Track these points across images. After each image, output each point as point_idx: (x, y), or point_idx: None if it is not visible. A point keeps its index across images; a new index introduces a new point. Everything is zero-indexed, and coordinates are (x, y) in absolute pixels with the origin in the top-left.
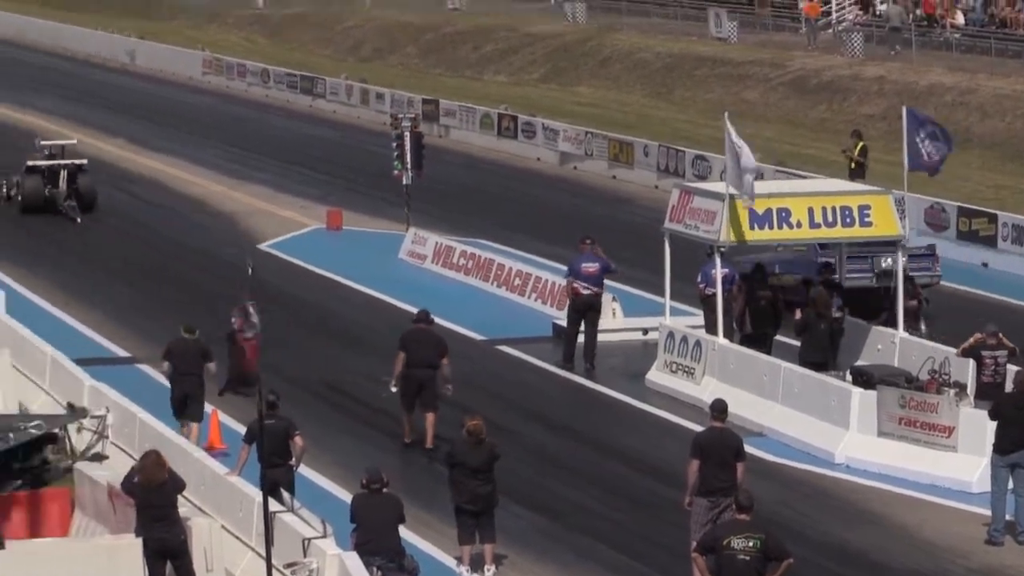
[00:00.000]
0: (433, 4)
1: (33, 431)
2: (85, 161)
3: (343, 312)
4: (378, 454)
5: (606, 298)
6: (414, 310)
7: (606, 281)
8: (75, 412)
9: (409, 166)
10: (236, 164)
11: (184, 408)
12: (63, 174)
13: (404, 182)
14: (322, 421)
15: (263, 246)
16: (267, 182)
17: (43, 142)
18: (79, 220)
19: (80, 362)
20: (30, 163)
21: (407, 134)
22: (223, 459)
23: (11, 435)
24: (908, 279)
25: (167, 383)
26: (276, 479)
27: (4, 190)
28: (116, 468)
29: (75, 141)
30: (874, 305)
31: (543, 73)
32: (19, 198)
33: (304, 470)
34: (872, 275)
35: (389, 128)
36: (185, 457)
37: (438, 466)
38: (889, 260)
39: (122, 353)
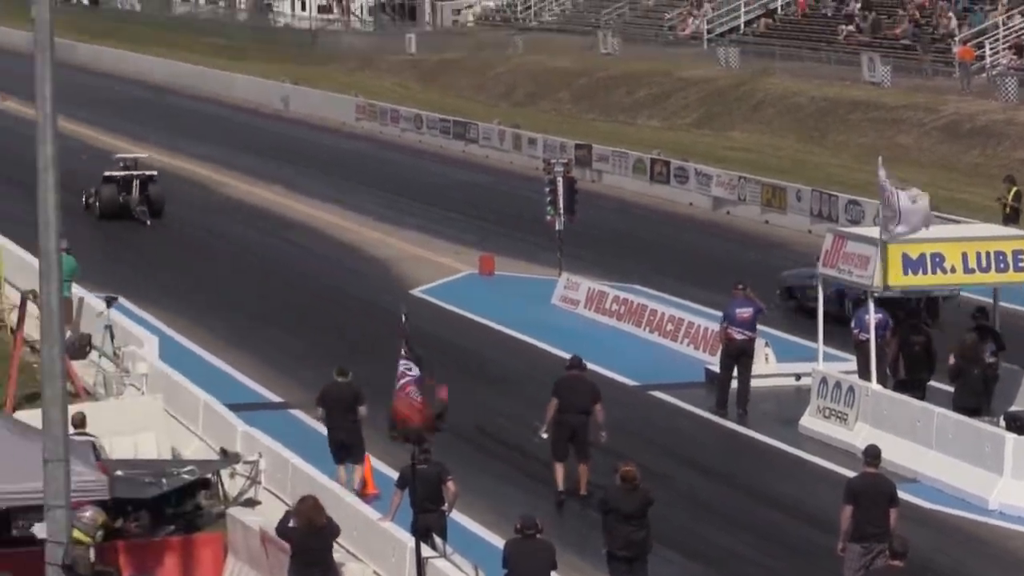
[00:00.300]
0: (586, 49)
1: (186, 476)
2: (156, 172)
3: (496, 357)
4: (531, 499)
5: (759, 343)
6: (567, 356)
7: (759, 326)
8: (228, 457)
9: (562, 211)
10: (390, 210)
11: (341, 452)
12: (136, 183)
13: (557, 227)
14: (475, 466)
15: (416, 292)
16: (420, 228)
17: (118, 155)
18: (149, 223)
19: (233, 407)
20: (107, 174)
21: (560, 179)
22: (376, 504)
23: (165, 480)
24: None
25: (321, 428)
26: (429, 524)
27: (84, 199)
28: (269, 513)
29: (147, 155)
30: (895, 316)
31: (696, 118)
32: (97, 205)
33: (456, 515)
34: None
35: (542, 173)
36: (337, 502)
37: (591, 512)
38: None
39: (275, 398)
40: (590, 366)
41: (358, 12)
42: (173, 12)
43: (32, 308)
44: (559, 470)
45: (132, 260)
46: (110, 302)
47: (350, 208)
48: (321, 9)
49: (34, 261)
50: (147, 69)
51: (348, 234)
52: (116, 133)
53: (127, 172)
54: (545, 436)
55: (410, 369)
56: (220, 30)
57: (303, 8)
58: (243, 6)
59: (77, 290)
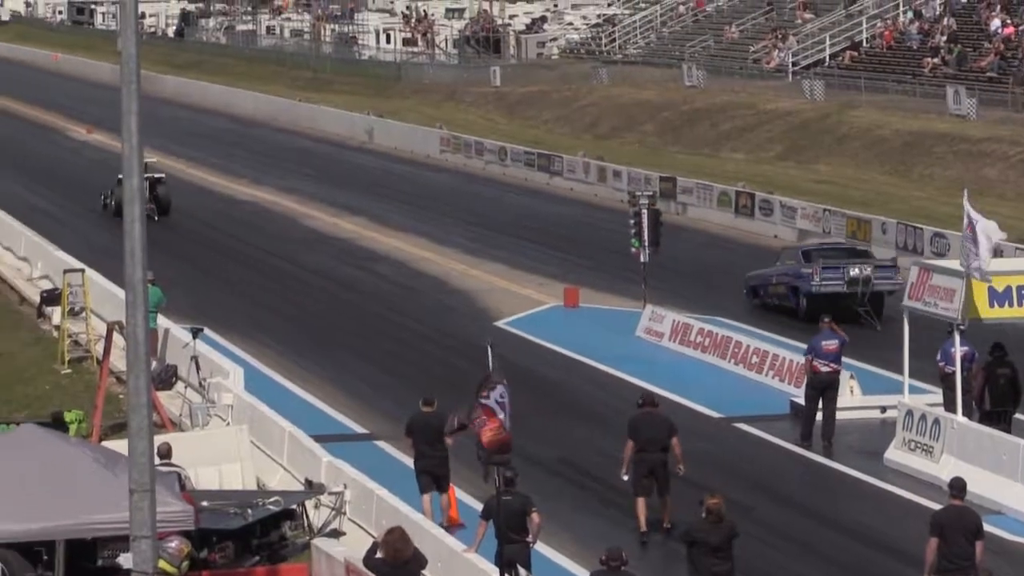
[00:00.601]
0: (670, 81)
1: (271, 507)
2: (163, 175)
3: (581, 389)
4: (615, 532)
5: (844, 376)
6: (652, 388)
7: (844, 358)
8: (313, 488)
9: (646, 243)
10: (474, 242)
11: (427, 482)
12: (146, 184)
13: (641, 259)
14: (559, 498)
15: (501, 323)
16: (505, 260)
17: None
18: (156, 219)
19: (318, 438)
20: (120, 176)
21: (644, 212)
22: (460, 535)
23: (250, 511)
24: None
25: (406, 458)
26: (513, 556)
27: (102, 199)
28: (353, 544)
29: (155, 160)
30: (842, 305)
31: (781, 150)
32: (112, 204)
33: (541, 547)
34: (843, 282)
35: (626, 206)
36: (423, 533)
37: (675, 545)
38: (856, 270)
39: (360, 429)
40: (674, 398)
41: (443, 45)
42: (259, 45)
43: (118, 339)
44: (641, 508)
45: (217, 291)
46: (196, 333)
47: (435, 240)
48: (406, 42)
49: (120, 292)
50: (232, 101)
51: (433, 266)
52: (201, 165)
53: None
54: (626, 478)
55: (488, 397)
56: (305, 63)
57: (388, 41)
58: (328, 39)
59: (163, 321)
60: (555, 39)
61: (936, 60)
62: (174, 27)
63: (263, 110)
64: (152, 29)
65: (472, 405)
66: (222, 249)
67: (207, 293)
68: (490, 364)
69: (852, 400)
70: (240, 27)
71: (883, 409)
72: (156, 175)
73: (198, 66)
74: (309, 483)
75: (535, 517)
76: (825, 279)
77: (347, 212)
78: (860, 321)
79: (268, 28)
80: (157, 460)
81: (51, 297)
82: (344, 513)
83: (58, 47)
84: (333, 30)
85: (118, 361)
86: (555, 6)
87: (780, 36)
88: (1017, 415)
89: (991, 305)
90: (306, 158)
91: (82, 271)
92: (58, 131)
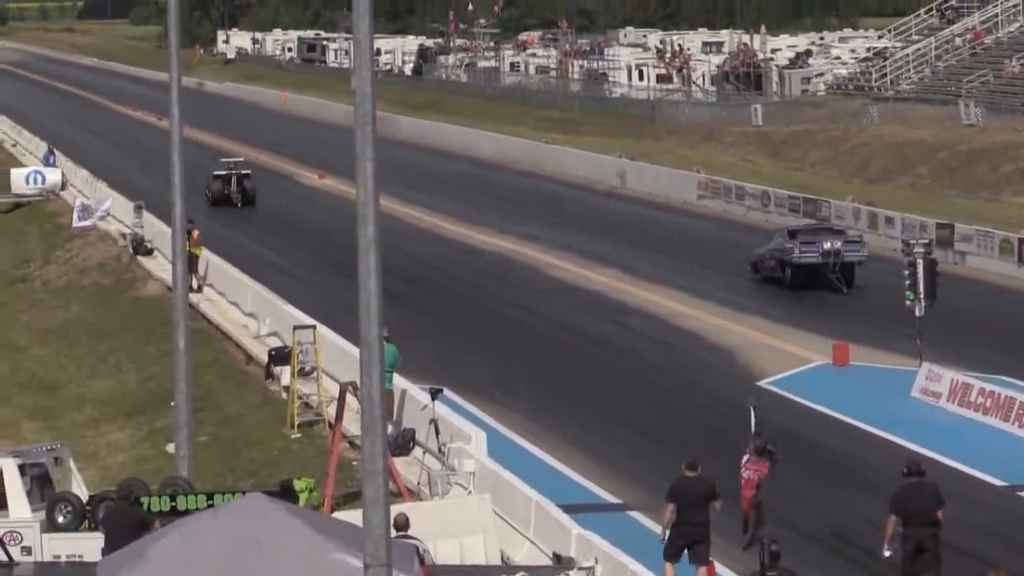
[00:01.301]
0: (947, 119)
1: None
2: (250, 171)
3: (851, 454)
4: None
5: None
6: (928, 452)
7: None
8: (561, 563)
9: (922, 296)
10: (734, 294)
11: (677, 552)
12: (234, 179)
13: (916, 313)
14: (827, 572)
15: (764, 383)
16: (769, 314)
17: (224, 159)
18: (239, 205)
19: (567, 508)
20: (216, 172)
21: (919, 261)
22: None
23: None
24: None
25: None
26: None
27: (205, 192)
28: None
29: (243, 159)
30: (820, 275)
31: None
32: (208, 194)
33: None
34: (818, 254)
35: (900, 255)
36: None
37: None
38: (829, 243)
39: (612, 499)
40: (952, 464)
41: (700, 81)
42: (502, 83)
43: (352, 400)
44: None
45: (457, 348)
46: (435, 394)
47: (692, 292)
48: (660, 79)
49: (354, 349)
50: (472, 143)
51: (690, 320)
52: (439, 212)
53: (229, 171)
54: (888, 554)
55: (749, 461)
56: (552, 102)
57: (640, 78)
58: (576, 76)
59: (399, 381)
60: (821, 74)
61: None
62: (411, 64)
63: (505, 152)
64: (388, 67)
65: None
66: (462, 302)
67: (447, 350)
68: (752, 426)
69: None
70: (482, 64)
71: None
72: (243, 171)
73: (436, 106)
74: (557, 557)
75: None
76: (803, 251)
77: (596, 262)
78: (831, 287)
79: (512, 65)
80: (394, 532)
81: (280, 356)
82: None
83: (287, 86)
84: (581, 66)
85: (351, 425)
86: (821, 39)
87: None
88: None
89: None
90: (552, 204)
91: (313, 328)
92: (287, 176)
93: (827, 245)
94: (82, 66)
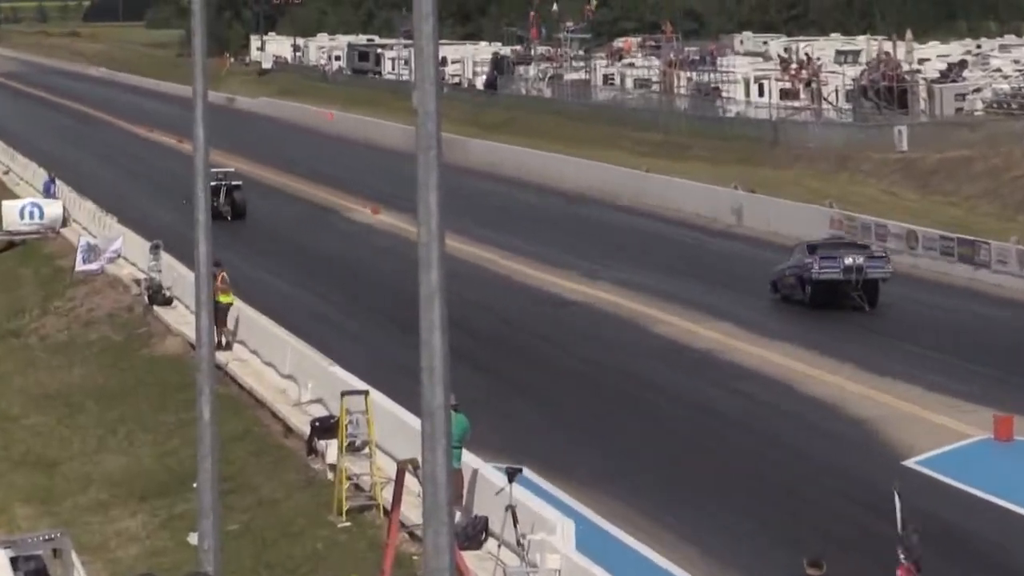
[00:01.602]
0: None
1: None
2: (240, 182)
3: (1019, 549)
4: None
5: None
6: None
7: None
8: None
9: None
10: (875, 353)
11: None
12: (223, 190)
13: None
14: None
15: (911, 462)
16: (914, 378)
17: (213, 169)
18: (229, 219)
19: None
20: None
21: None
22: None
23: None
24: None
25: None
26: None
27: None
28: None
29: (233, 169)
30: (841, 293)
31: None
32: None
33: None
34: (839, 270)
35: None
36: None
37: None
38: (851, 259)
39: None
40: None
41: (832, 98)
42: (593, 98)
43: (412, 482)
44: None
45: (540, 418)
46: (512, 475)
47: (823, 351)
48: (784, 94)
49: (414, 421)
50: (557, 172)
51: (820, 386)
52: (517, 255)
53: (218, 182)
54: None
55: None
56: (654, 122)
57: (760, 93)
58: (683, 91)
59: (469, 458)
60: (978, 89)
61: None
62: (484, 77)
63: (598, 183)
64: (456, 79)
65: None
66: (545, 363)
67: (527, 421)
68: (898, 516)
69: None
70: (569, 76)
71: None
72: (233, 182)
73: (512, 126)
74: None
75: None
76: (824, 267)
77: (707, 315)
78: (853, 305)
79: (605, 77)
80: None
81: (325, 427)
82: None
83: (334, 103)
84: (690, 79)
85: (411, 511)
86: (978, 47)
87: None
88: None
89: None
90: (654, 245)
91: (365, 393)
92: (335, 211)
93: (849, 260)
94: (88, 78)
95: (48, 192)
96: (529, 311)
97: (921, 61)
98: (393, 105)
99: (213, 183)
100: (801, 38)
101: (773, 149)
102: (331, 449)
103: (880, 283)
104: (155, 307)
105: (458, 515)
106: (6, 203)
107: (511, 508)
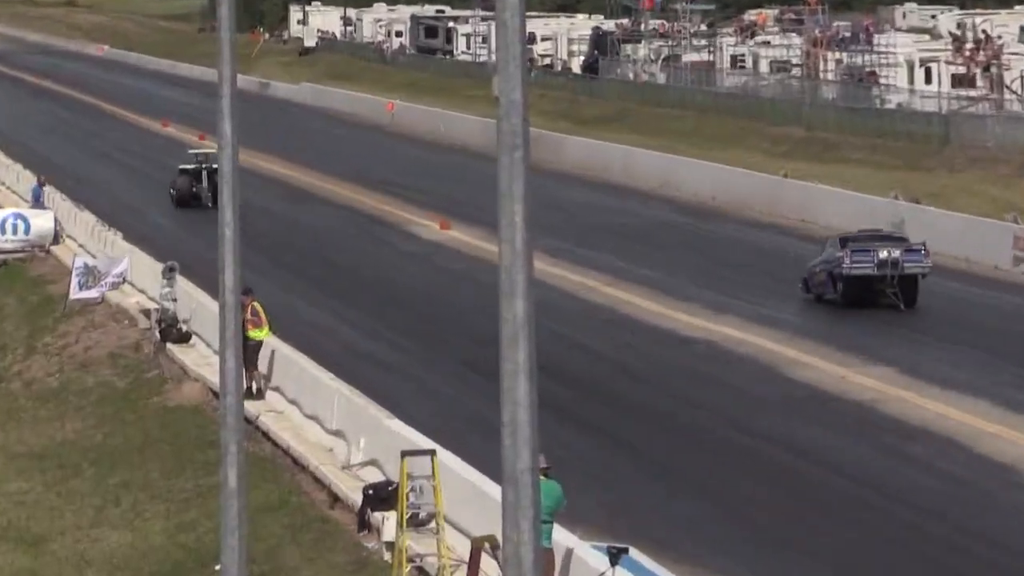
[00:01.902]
0: None
1: None
2: None
3: None
4: None
5: None
6: None
7: None
8: None
9: None
10: None
11: None
12: (204, 173)
13: None
14: None
15: None
16: None
17: (192, 151)
18: (211, 205)
19: None
20: (181, 167)
21: None
22: None
23: None
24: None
25: None
26: None
27: (169, 190)
28: None
29: (214, 150)
30: (875, 288)
31: None
32: (173, 193)
33: None
34: (873, 265)
35: None
36: None
37: None
38: (885, 252)
39: None
40: None
41: (1016, 86)
42: (719, 85)
43: (490, 564)
44: None
45: (648, 486)
46: (616, 556)
47: (1005, 403)
48: (957, 81)
49: (493, 488)
50: (674, 176)
51: (1003, 444)
52: (624, 280)
53: (198, 164)
54: None
55: None
56: (794, 114)
57: (927, 80)
58: (832, 75)
59: (562, 535)
60: None
61: None
62: (582, 58)
63: (725, 191)
64: (547, 61)
65: None
66: (658, 418)
67: (634, 488)
68: None
69: None
70: (688, 57)
71: None
72: (215, 165)
73: (617, 120)
74: None
75: None
76: (856, 261)
77: (864, 359)
78: (887, 303)
79: (734, 59)
80: None
81: (381, 496)
82: None
83: (394, 90)
84: (839, 62)
85: None
86: None
87: None
88: None
89: None
90: (796, 269)
91: (431, 454)
92: (393, 226)
93: (883, 254)
94: (88, 57)
95: (37, 201)
96: (639, 351)
97: None
98: (468, 93)
99: (192, 166)
100: (978, 11)
101: (943, 149)
102: (389, 523)
103: (919, 279)
104: (169, 344)
105: None
106: None
107: None
